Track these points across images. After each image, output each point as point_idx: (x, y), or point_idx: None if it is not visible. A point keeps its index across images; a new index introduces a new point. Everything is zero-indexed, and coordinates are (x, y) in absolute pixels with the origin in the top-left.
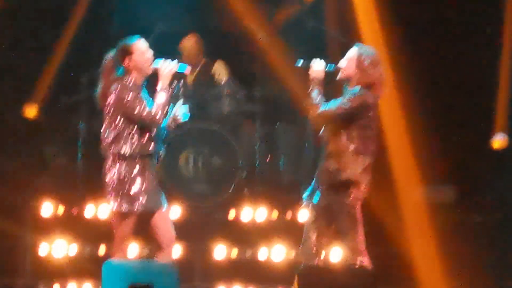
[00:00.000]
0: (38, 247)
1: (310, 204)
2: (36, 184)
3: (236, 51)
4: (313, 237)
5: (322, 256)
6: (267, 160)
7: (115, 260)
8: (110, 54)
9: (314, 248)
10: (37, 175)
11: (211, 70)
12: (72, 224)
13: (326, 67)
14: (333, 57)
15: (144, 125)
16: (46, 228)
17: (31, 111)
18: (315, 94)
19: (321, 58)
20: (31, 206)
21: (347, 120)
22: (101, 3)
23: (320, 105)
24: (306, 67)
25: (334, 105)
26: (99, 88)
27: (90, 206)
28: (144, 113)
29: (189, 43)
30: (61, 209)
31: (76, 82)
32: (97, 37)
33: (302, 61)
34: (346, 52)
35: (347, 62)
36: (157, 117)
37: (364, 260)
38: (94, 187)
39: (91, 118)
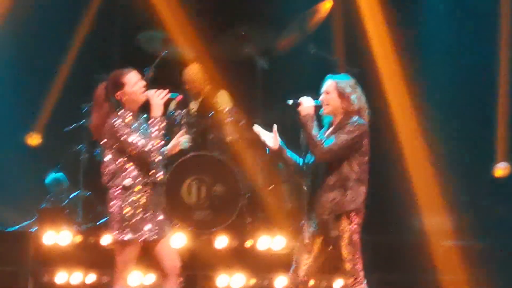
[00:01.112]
0: (42, 275)
1: (304, 232)
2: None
3: (238, 78)
4: (304, 264)
5: (311, 284)
6: (269, 188)
7: None
8: (100, 85)
9: (305, 276)
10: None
11: (214, 99)
12: (74, 252)
13: (315, 102)
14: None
15: (140, 158)
16: (48, 256)
17: (34, 139)
18: (315, 131)
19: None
20: (33, 232)
21: (349, 150)
22: (102, 30)
23: (323, 141)
24: (297, 105)
25: (338, 139)
26: (93, 119)
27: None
28: (138, 148)
29: (192, 71)
30: (64, 237)
31: (77, 109)
32: (98, 63)
33: (292, 100)
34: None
35: (328, 95)
36: (151, 151)
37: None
38: (94, 214)
39: (93, 146)
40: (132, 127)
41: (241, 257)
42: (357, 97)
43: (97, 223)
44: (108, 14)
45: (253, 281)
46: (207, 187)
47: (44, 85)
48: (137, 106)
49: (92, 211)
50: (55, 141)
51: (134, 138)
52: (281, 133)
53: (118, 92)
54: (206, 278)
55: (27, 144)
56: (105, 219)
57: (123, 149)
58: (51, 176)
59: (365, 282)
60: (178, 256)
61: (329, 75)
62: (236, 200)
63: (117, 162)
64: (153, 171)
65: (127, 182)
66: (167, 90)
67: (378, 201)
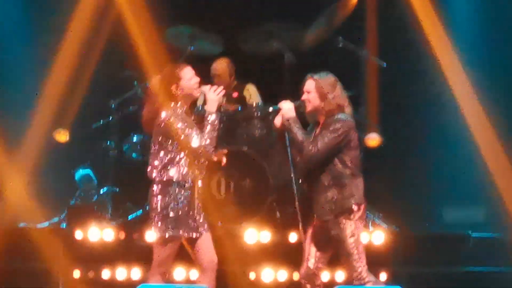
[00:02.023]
0: (72, 272)
1: (309, 228)
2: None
3: (266, 73)
4: (314, 258)
5: (322, 278)
6: (299, 183)
7: (149, 284)
8: (154, 78)
9: (315, 270)
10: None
11: (243, 93)
12: (104, 248)
13: (294, 104)
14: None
15: (195, 153)
16: (79, 252)
17: (62, 136)
18: (300, 134)
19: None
20: (63, 229)
21: (338, 148)
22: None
23: (309, 143)
24: (278, 111)
25: (324, 139)
26: (144, 113)
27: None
28: (197, 142)
29: (221, 66)
30: (94, 233)
31: (106, 106)
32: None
33: (272, 107)
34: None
35: (309, 94)
36: (207, 146)
37: (369, 279)
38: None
39: (122, 142)
40: (186, 122)
41: (270, 252)
42: (336, 95)
43: (128, 219)
44: (134, 10)
45: (282, 274)
46: (236, 182)
47: (73, 81)
48: (190, 101)
49: (121, 207)
50: (83, 137)
51: (189, 133)
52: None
53: (174, 86)
54: (235, 273)
55: (55, 140)
56: (135, 214)
57: (175, 143)
58: (80, 173)
59: (370, 277)
60: (214, 252)
61: (309, 73)
62: (265, 195)
63: (168, 156)
64: (200, 169)
65: (176, 177)
66: (222, 87)
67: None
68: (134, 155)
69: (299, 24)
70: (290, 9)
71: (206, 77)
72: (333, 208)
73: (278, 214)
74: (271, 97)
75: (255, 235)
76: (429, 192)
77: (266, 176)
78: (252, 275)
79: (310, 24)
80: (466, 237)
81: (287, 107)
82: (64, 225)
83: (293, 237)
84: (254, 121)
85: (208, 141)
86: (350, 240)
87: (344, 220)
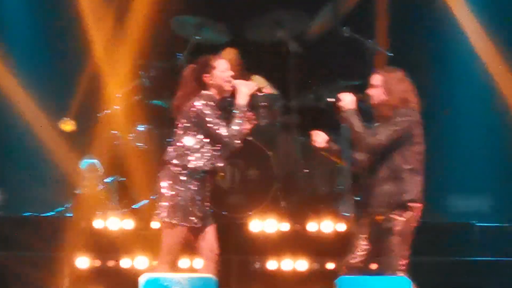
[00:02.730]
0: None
1: (362, 219)
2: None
3: (271, 63)
4: (359, 250)
5: (366, 269)
6: (303, 172)
7: (156, 272)
8: (189, 65)
9: (360, 262)
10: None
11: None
12: (110, 237)
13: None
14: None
15: (222, 144)
16: (84, 241)
17: (67, 125)
18: (360, 125)
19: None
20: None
21: (399, 142)
22: (135, 16)
23: (370, 134)
24: (337, 102)
25: (386, 131)
26: (176, 99)
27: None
28: (224, 133)
29: (228, 56)
30: (99, 222)
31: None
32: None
33: (332, 99)
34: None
35: (375, 89)
36: (236, 139)
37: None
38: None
39: (128, 131)
40: (215, 112)
41: (275, 241)
42: (402, 90)
43: (133, 208)
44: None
45: (287, 263)
46: (241, 171)
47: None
48: (222, 93)
49: (127, 196)
50: (89, 126)
51: (217, 123)
52: (315, 116)
53: (207, 74)
54: (240, 262)
55: (61, 129)
56: (141, 203)
57: (206, 132)
58: (86, 162)
59: None
60: (217, 244)
61: (377, 69)
62: (270, 184)
63: (190, 143)
64: (221, 160)
65: (193, 165)
66: (255, 83)
67: None
68: (139, 144)
69: (305, 13)
70: None
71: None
72: (388, 202)
73: (282, 203)
74: (276, 87)
75: (260, 224)
76: (435, 181)
77: (271, 165)
78: (257, 265)
79: (316, 13)
80: (470, 227)
81: (348, 99)
82: (69, 214)
83: (286, 226)
84: (259, 110)
85: (235, 133)
86: (396, 238)
87: (396, 216)
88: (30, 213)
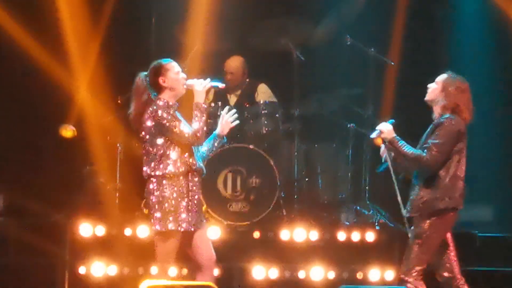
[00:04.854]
0: (77, 267)
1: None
2: (73, 204)
3: (275, 70)
4: (411, 256)
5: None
6: (305, 180)
7: (153, 280)
8: (141, 74)
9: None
10: (74, 195)
11: (254, 91)
12: (111, 245)
13: (390, 123)
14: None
15: (186, 143)
16: (85, 248)
17: (68, 131)
18: (407, 148)
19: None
20: (70, 225)
21: (451, 150)
22: (138, 23)
23: (422, 154)
24: (379, 134)
25: (436, 146)
26: (132, 109)
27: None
28: (186, 132)
29: (235, 63)
30: (100, 230)
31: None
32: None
33: (374, 133)
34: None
35: (435, 85)
36: (199, 134)
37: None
38: (132, 207)
39: (130, 138)
40: (173, 114)
41: (277, 249)
42: (458, 97)
43: (134, 215)
44: (144, 5)
45: (288, 273)
46: (243, 179)
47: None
48: (177, 95)
49: (128, 202)
50: (90, 133)
51: (178, 124)
52: (318, 124)
53: (161, 78)
54: (242, 270)
55: (61, 136)
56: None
57: (167, 135)
58: (90, 168)
59: (414, 283)
60: (213, 249)
61: (449, 71)
62: (272, 192)
63: (159, 151)
64: (194, 161)
65: (170, 170)
66: (208, 79)
67: None
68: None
69: (309, 20)
70: (299, 6)
71: (218, 73)
72: (421, 207)
73: (284, 211)
74: (280, 94)
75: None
76: None
77: (273, 173)
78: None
79: (319, 21)
80: (473, 237)
81: (386, 129)
82: (70, 220)
83: (284, 234)
84: (261, 118)
85: (199, 131)
86: (420, 241)
87: (427, 221)
88: None
